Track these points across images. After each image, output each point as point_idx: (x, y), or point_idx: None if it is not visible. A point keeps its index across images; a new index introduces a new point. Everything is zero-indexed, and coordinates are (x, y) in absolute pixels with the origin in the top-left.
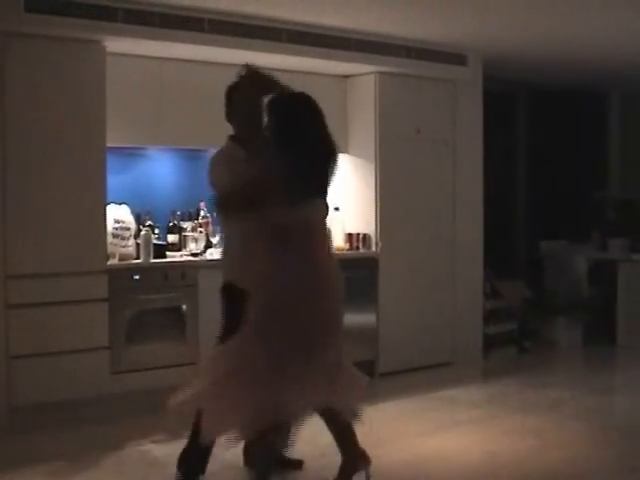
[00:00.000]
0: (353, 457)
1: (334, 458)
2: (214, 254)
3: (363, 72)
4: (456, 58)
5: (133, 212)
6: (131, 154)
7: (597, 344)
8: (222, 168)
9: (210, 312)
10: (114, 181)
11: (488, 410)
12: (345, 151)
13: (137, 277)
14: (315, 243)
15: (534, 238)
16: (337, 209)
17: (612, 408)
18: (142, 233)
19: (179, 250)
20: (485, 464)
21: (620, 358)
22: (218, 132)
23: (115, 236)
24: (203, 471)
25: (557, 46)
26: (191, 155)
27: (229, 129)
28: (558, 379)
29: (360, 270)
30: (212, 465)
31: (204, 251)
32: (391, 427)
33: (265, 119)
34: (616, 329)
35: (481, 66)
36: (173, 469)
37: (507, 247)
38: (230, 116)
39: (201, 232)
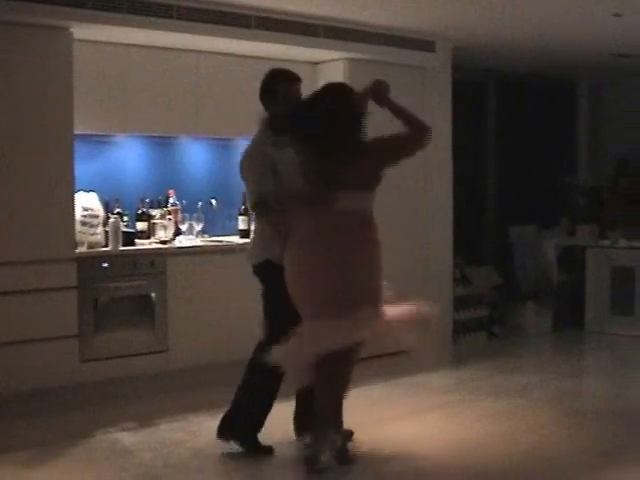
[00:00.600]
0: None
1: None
2: (183, 241)
3: (332, 59)
4: (425, 45)
5: (102, 200)
6: (100, 141)
7: (566, 329)
8: (254, 167)
9: (179, 299)
10: (82, 168)
11: (459, 395)
12: None
13: (106, 265)
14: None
15: (503, 224)
16: None
17: (581, 392)
18: (111, 221)
19: (148, 238)
20: (457, 448)
21: (588, 343)
22: (185, 119)
23: (84, 224)
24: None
25: (526, 33)
26: (160, 142)
27: (198, 115)
28: (528, 364)
29: None
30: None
31: (173, 239)
32: (364, 413)
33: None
34: (584, 314)
35: (450, 53)
36: (142, 457)
37: (476, 233)
38: (269, 102)
39: (170, 219)
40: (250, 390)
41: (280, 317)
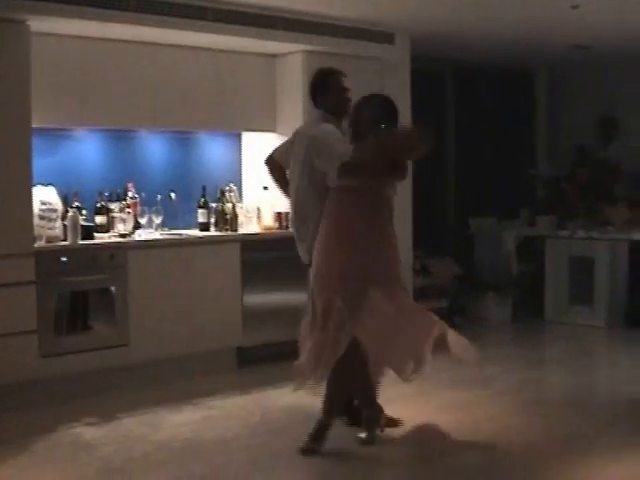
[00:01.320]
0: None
1: None
2: (142, 235)
3: (291, 51)
4: (383, 37)
5: (60, 193)
6: (57, 135)
7: (526, 319)
8: (332, 133)
9: (139, 293)
10: (40, 162)
11: (419, 386)
12: (273, 130)
13: (65, 259)
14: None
15: (463, 215)
16: (266, 188)
17: (541, 382)
18: (69, 214)
19: (107, 231)
20: (417, 439)
21: (548, 333)
22: (143, 112)
23: (42, 218)
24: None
25: (484, 24)
26: (118, 135)
27: (156, 109)
28: (488, 354)
29: (290, 249)
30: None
31: (132, 232)
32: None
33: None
34: (544, 304)
35: (409, 44)
36: (104, 451)
37: (436, 224)
38: (323, 96)
39: (129, 213)
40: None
41: None
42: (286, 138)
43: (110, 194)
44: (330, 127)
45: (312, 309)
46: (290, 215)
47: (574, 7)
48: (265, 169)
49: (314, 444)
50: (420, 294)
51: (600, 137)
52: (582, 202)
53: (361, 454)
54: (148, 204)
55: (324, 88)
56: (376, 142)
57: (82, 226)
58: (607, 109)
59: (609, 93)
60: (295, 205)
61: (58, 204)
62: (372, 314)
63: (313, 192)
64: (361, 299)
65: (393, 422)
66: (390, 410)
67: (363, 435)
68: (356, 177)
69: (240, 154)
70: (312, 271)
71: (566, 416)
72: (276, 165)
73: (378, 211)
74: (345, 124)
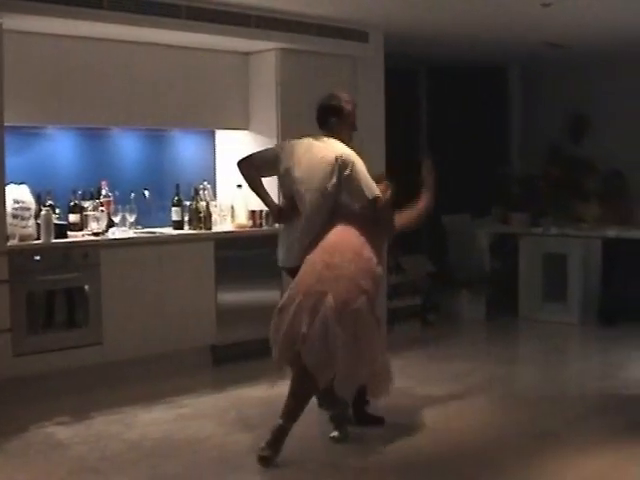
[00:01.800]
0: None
1: None
2: (116, 233)
3: (264, 49)
4: (357, 34)
5: (33, 192)
6: (30, 133)
7: (499, 316)
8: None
9: (113, 292)
10: (13, 161)
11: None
12: (247, 128)
13: (38, 258)
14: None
15: (437, 213)
16: (240, 186)
17: (515, 378)
18: (42, 213)
19: (81, 230)
20: (389, 434)
21: (522, 330)
22: (117, 110)
23: (15, 216)
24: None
25: (457, 22)
26: (91, 133)
27: (130, 107)
28: (462, 351)
29: (264, 247)
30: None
31: (106, 230)
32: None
33: None
34: (518, 301)
35: (382, 42)
36: (77, 450)
37: None
38: (341, 125)
39: (103, 211)
40: None
41: None
42: (259, 136)
43: (84, 192)
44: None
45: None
46: (302, 224)
47: (545, 5)
48: (239, 168)
49: (271, 451)
50: (394, 292)
51: (572, 134)
52: (555, 199)
53: (331, 453)
54: (122, 202)
55: (341, 114)
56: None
57: (55, 225)
58: (579, 107)
59: (581, 91)
60: (310, 216)
61: (31, 203)
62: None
63: (325, 207)
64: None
65: (376, 420)
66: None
67: (335, 434)
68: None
69: (214, 152)
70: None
71: (537, 412)
72: (255, 167)
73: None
74: None
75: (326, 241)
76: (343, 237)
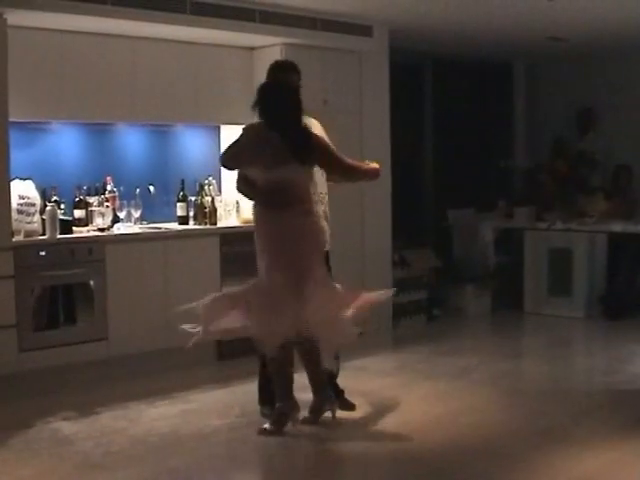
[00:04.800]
0: (321, 398)
1: None
2: (121, 228)
3: (269, 44)
4: (362, 29)
5: (38, 188)
6: (35, 129)
7: (504, 311)
8: None
9: (118, 287)
10: (18, 156)
11: (399, 378)
12: None
13: (43, 253)
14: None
15: (442, 207)
16: None
17: (520, 373)
18: (48, 209)
19: (86, 225)
20: (397, 431)
21: (527, 324)
22: (122, 105)
23: (20, 212)
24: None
25: (462, 16)
26: (96, 129)
27: (134, 102)
28: (467, 346)
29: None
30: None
31: (111, 226)
32: (304, 396)
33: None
34: (523, 296)
35: (387, 37)
36: (82, 446)
37: (415, 216)
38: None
39: (108, 207)
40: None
41: None
42: None
43: (89, 188)
44: None
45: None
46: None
47: (550, 0)
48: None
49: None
50: (399, 286)
51: (577, 129)
52: (560, 194)
53: (340, 448)
54: (127, 198)
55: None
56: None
57: (60, 220)
58: (584, 101)
59: (586, 85)
60: None
61: (36, 198)
62: None
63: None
64: None
65: (348, 406)
66: (371, 403)
67: (267, 426)
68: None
69: (219, 147)
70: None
71: (544, 406)
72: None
73: None
74: None
75: None
76: None
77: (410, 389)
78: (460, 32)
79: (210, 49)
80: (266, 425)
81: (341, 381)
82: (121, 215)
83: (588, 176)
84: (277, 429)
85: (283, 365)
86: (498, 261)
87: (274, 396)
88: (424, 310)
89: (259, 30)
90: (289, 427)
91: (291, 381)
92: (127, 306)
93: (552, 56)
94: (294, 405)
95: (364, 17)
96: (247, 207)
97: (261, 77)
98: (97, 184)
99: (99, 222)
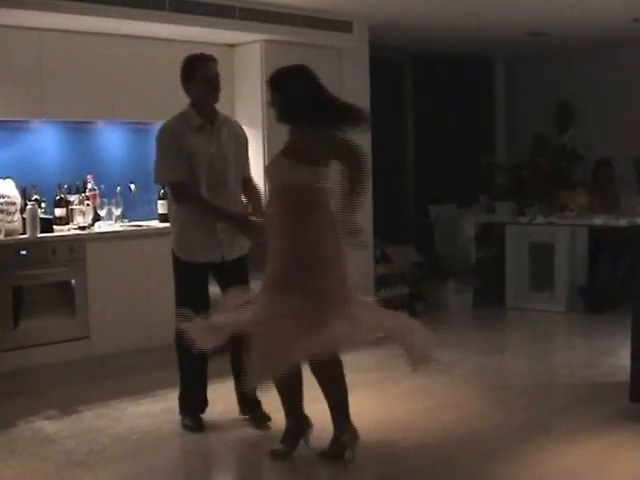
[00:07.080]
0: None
1: None
2: (102, 227)
3: (249, 41)
4: (342, 25)
5: (18, 186)
6: (15, 127)
7: (487, 306)
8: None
9: (99, 285)
10: None
11: (381, 374)
12: None
13: (24, 252)
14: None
15: (423, 203)
16: None
17: (502, 368)
18: (28, 207)
19: (67, 224)
20: (378, 426)
21: (509, 319)
22: (101, 103)
23: (0, 211)
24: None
25: (441, 12)
26: (76, 127)
27: (114, 100)
28: (449, 341)
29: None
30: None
31: (92, 224)
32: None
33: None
34: (505, 291)
35: (367, 33)
36: (65, 445)
37: (396, 212)
38: (190, 86)
39: (88, 205)
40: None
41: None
42: (245, 127)
43: (69, 186)
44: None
45: None
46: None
47: None
48: None
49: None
50: (380, 282)
51: (557, 124)
52: (541, 188)
53: (320, 444)
54: (108, 196)
55: (190, 77)
56: None
57: (41, 219)
58: (564, 96)
59: (566, 81)
60: None
61: (17, 197)
62: None
63: None
64: None
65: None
66: (353, 399)
67: (278, 447)
68: None
69: None
70: None
71: (525, 401)
72: None
73: None
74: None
75: None
76: None
77: (393, 384)
78: (441, 28)
79: (190, 46)
80: (277, 447)
81: None
82: (102, 213)
83: (569, 171)
84: (288, 450)
85: (292, 377)
86: (479, 256)
87: (197, 404)
88: (406, 306)
89: (239, 27)
90: (301, 446)
91: (301, 395)
92: (108, 304)
93: (532, 52)
94: (305, 421)
95: (344, 13)
96: None
97: (241, 74)
98: (78, 182)
99: (80, 220)
